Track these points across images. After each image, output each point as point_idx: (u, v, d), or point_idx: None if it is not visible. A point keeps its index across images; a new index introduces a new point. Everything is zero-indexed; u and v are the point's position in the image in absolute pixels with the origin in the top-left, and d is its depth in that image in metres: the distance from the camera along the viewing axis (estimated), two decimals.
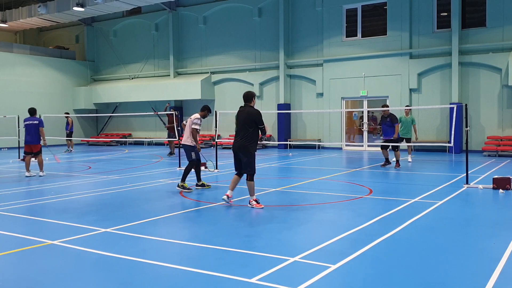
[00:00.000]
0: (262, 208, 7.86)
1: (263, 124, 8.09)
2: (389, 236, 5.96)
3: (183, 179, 9.79)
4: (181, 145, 10.70)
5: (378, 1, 20.58)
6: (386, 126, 13.73)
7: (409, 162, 15.39)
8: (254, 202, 7.95)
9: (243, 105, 8.20)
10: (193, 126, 9.87)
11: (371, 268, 4.82)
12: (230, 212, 7.63)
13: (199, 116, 10.00)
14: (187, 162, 10.07)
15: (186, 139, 9.94)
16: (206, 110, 10.23)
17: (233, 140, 8.16)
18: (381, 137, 14.64)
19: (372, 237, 5.85)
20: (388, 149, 14.01)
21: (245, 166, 7.98)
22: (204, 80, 24.50)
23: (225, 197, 8.17)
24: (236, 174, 8.25)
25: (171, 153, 19.07)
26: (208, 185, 10.19)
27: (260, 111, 8.15)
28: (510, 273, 4.59)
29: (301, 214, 7.50)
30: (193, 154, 9.90)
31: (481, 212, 7.77)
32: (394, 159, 13.95)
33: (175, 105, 25.95)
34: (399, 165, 13.69)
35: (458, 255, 5.22)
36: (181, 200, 8.77)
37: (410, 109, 15.62)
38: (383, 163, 14.13)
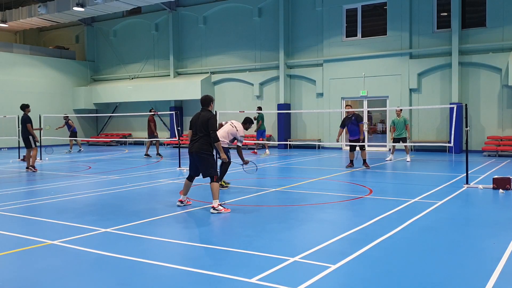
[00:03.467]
0: (229, 211, 7.55)
1: (215, 129, 7.73)
2: (389, 236, 5.96)
3: (221, 178, 9.81)
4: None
5: (378, 1, 20.58)
6: (353, 126, 13.60)
7: (407, 161, 15.42)
8: (220, 207, 7.51)
9: (200, 109, 8.01)
10: (238, 144, 9.87)
11: (371, 268, 4.82)
12: (230, 212, 7.63)
13: (243, 134, 9.88)
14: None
15: (224, 141, 9.68)
16: (248, 123, 10.23)
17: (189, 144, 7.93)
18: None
19: (372, 237, 5.85)
20: (355, 150, 13.87)
21: (206, 169, 7.72)
22: (204, 80, 24.50)
23: (178, 203, 8.07)
24: (187, 179, 8.08)
25: (147, 155, 18.44)
26: (227, 185, 10.08)
27: (215, 116, 7.93)
28: (510, 273, 4.59)
29: (301, 214, 7.50)
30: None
31: (481, 212, 7.77)
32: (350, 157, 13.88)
33: (175, 105, 25.98)
34: (368, 165, 13.62)
35: (458, 255, 5.22)
36: None
37: (401, 110, 15.70)
38: (348, 164, 13.87)
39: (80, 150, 22.13)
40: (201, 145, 7.68)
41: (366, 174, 12.91)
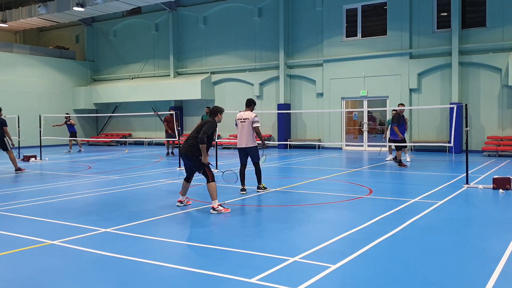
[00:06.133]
0: (229, 211, 7.53)
1: (208, 132, 7.56)
2: (389, 236, 5.96)
3: (260, 181, 9.67)
4: (238, 148, 9.68)
5: (378, 1, 20.58)
6: (404, 125, 13.77)
7: (407, 161, 15.47)
8: (220, 208, 7.50)
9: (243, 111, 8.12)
10: (257, 125, 9.35)
11: (371, 268, 4.82)
12: (230, 212, 7.63)
13: (256, 114, 9.52)
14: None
15: (249, 142, 9.34)
16: (253, 104, 9.63)
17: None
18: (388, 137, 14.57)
19: (372, 237, 5.85)
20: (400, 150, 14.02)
21: (199, 170, 7.71)
22: (204, 80, 24.50)
23: (178, 203, 8.05)
24: (184, 179, 8.05)
25: (168, 153, 19.39)
26: (265, 188, 9.83)
27: (217, 124, 7.87)
28: (510, 273, 4.59)
29: (301, 214, 7.50)
30: (260, 153, 9.54)
31: (481, 212, 7.77)
32: (396, 158, 13.97)
33: (175, 105, 25.96)
34: (403, 164, 13.88)
35: (458, 255, 5.22)
36: None
37: (396, 111, 15.68)
38: (400, 163, 13.86)
39: (80, 150, 22.14)
40: (190, 146, 7.69)
41: (366, 174, 12.92)
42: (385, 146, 17.36)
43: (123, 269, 4.86)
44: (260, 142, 9.57)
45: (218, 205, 7.57)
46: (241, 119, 9.49)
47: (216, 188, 7.63)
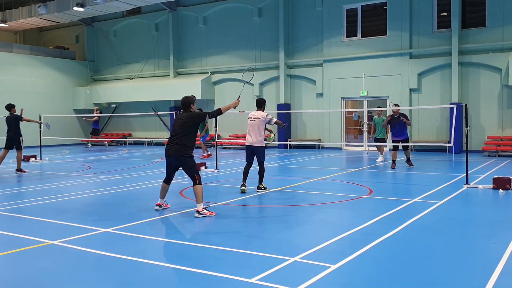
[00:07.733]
0: (214, 215, 7.33)
1: (207, 113, 7.63)
2: (389, 236, 5.96)
3: (261, 181, 9.65)
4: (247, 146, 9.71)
5: (378, 1, 20.58)
6: (400, 126, 13.57)
7: (377, 161, 15.56)
8: (205, 211, 7.24)
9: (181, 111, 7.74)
10: (274, 120, 9.55)
11: (371, 268, 4.82)
12: (230, 212, 7.63)
13: (268, 113, 9.63)
14: None
15: (257, 141, 9.45)
16: (264, 104, 9.78)
17: (167, 145, 7.62)
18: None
19: (372, 237, 5.85)
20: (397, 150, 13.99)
21: (188, 169, 7.41)
22: (204, 80, 24.49)
23: (157, 207, 7.83)
24: (164, 181, 7.79)
25: None
26: (265, 188, 9.82)
27: (199, 111, 7.77)
28: (510, 273, 4.59)
29: (301, 214, 7.51)
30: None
31: (481, 212, 7.77)
32: (394, 159, 13.96)
33: (175, 105, 25.94)
34: (412, 164, 13.83)
35: (458, 255, 5.22)
36: (181, 200, 8.78)
37: (381, 111, 15.78)
38: (392, 164, 13.74)
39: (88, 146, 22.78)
40: (180, 147, 7.37)
41: (366, 174, 12.92)
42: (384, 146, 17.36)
43: (123, 269, 4.86)
44: (269, 136, 10.15)
45: (203, 208, 7.32)
46: (251, 117, 9.65)
47: (202, 191, 7.38)
